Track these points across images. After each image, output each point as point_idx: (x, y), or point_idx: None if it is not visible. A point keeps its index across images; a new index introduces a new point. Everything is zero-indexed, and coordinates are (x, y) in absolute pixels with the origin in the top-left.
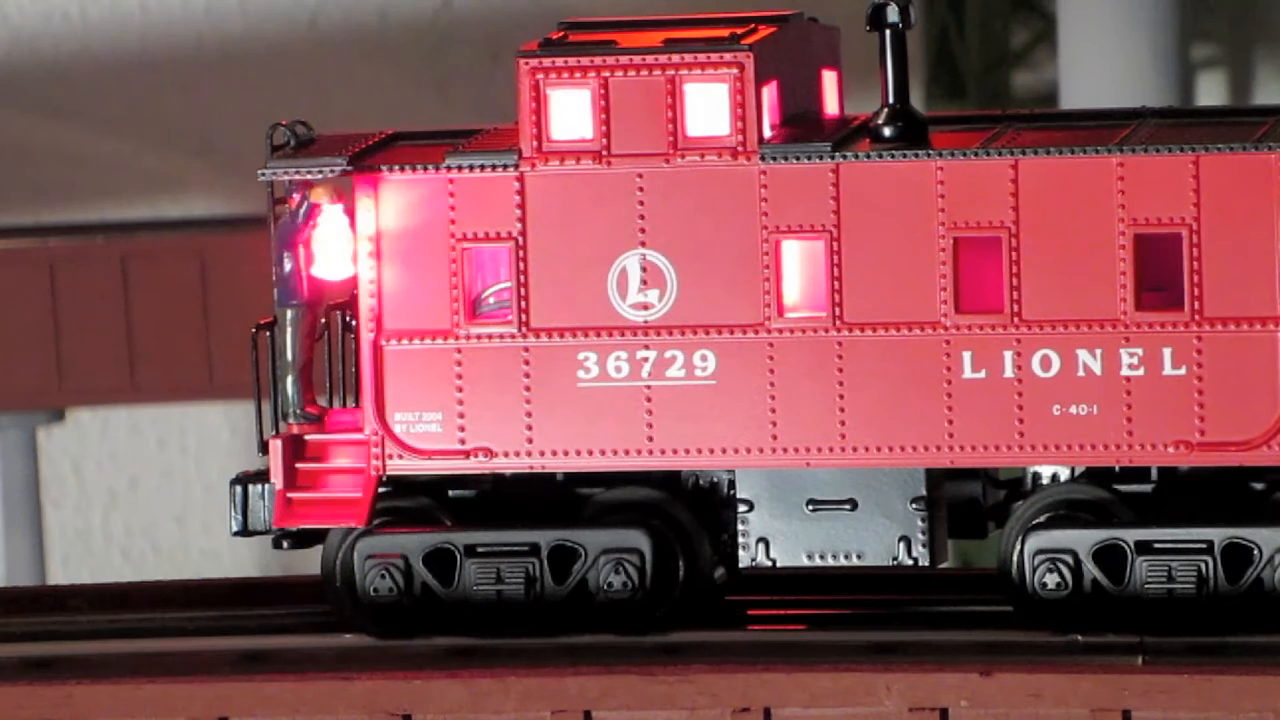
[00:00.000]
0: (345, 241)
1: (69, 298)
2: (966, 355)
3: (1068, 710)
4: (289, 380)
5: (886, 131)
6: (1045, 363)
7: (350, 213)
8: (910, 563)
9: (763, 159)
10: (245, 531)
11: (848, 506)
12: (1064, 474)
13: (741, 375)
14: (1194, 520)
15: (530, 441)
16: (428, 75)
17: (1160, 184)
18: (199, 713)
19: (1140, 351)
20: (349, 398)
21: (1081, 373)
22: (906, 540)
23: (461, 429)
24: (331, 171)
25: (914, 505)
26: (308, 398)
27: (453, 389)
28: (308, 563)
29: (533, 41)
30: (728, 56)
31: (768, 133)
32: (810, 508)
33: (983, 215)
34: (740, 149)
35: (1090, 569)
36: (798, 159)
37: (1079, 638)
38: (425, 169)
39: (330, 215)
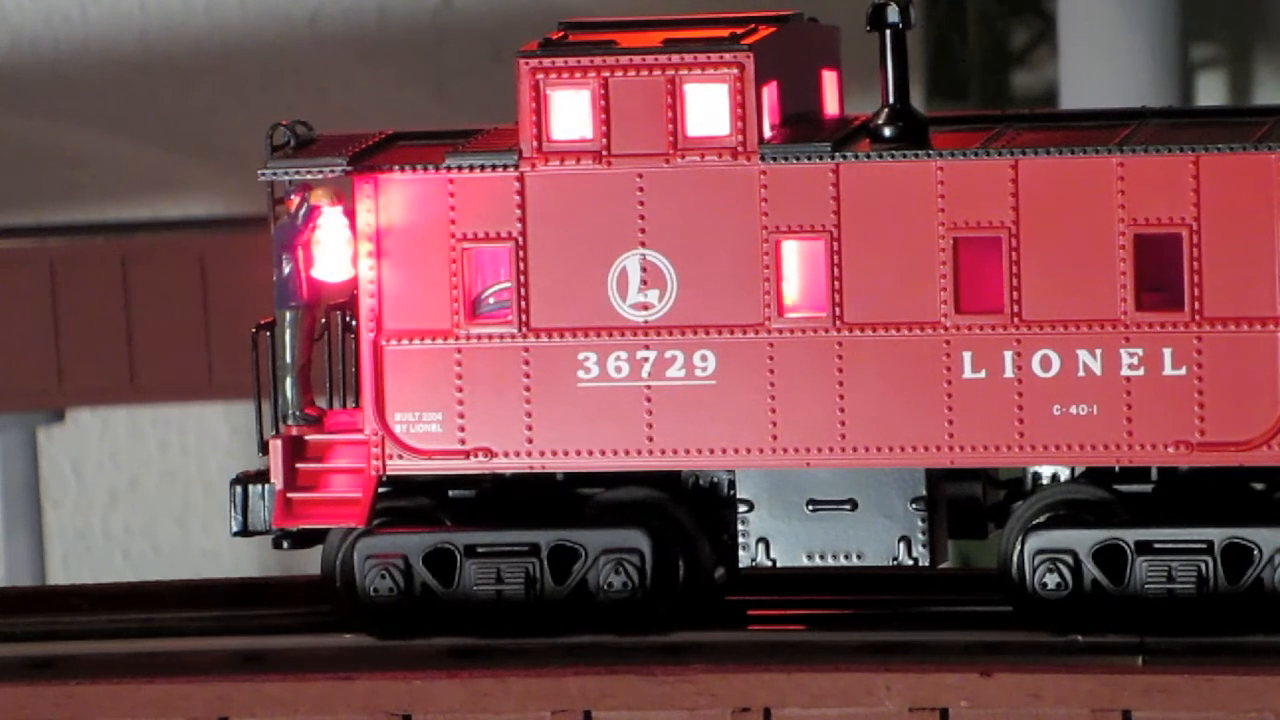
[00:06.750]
0: (345, 243)
1: (69, 298)
2: (966, 355)
3: (1068, 710)
4: (288, 382)
5: (886, 131)
6: (1045, 363)
7: (350, 214)
8: (910, 563)
9: (763, 159)
10: (245, 531)
11: (848, 506)
12: (1064, 474)
13: (741, 375)
14: (1194, 520)
15: (530, 441)
16: (427, 75)
17: (1160, 184)
18: (199, 713)
19: (1140, 351)
20: (349, 398)
21: (1081, 373)
22: (906, 540)
23: (461, 429)
24: (331, 172)
25: (914, 505)
26: (307, 399)
27: (453, 389)
28: (308, 563)
29: (533, 41)
30: (728, 56)
31: (768, 133)
32: (810, 508)
33: (983, 215)
34: (740, 149)
35: (1090, 569)
36: (798, 159)
37: (1079, 638)
38: (425, 169)
39: (330, 217)
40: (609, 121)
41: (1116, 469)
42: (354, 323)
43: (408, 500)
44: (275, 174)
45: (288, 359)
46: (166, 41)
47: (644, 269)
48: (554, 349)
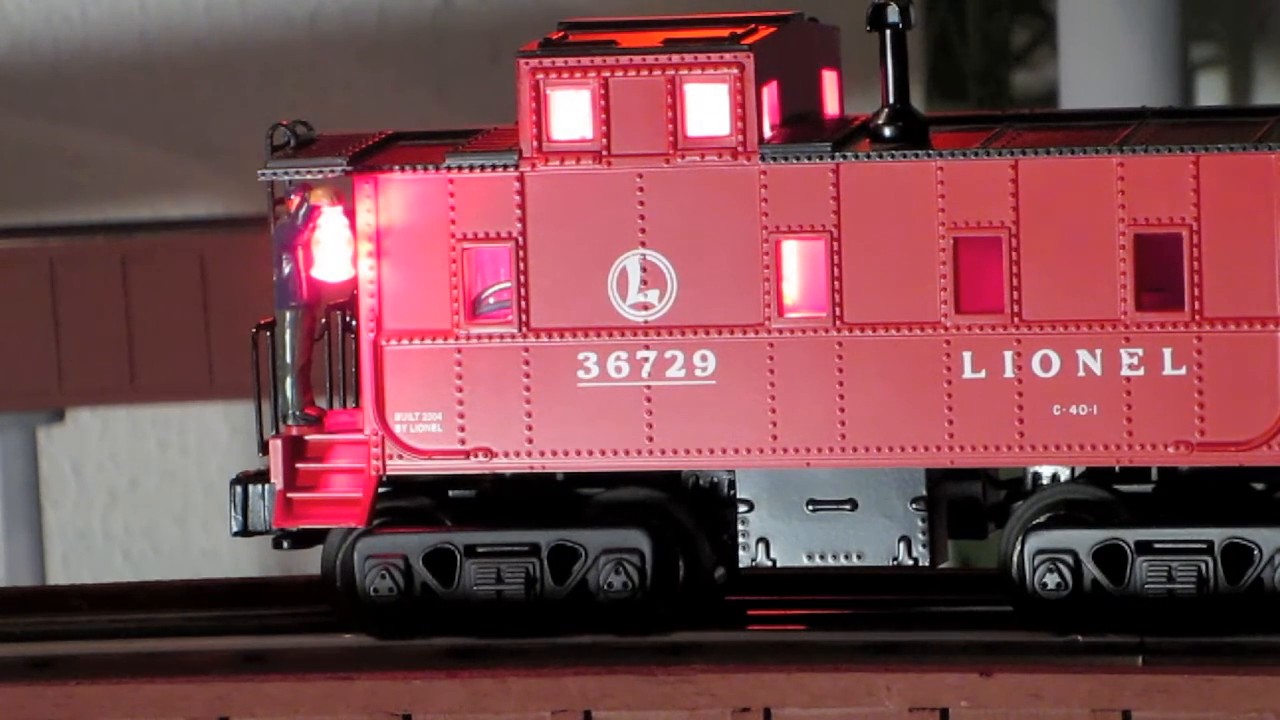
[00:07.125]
0: (345, 243)
1: (69, 298)
2: (966, 355)
3: (1068, 710)
4: (288, 382)
5: (886, 131)
6: (1045, 363)
7: (350, 214)
8: (910, 563)
9: (763, 159)
10: (245, 531)
11: (848, 506)
12: (1064, 474)
13: (741, 375)
14: (1194, 520)
15: (530, 441)
16: (427, 75)
17: (1160, 184)
18: (199, 713)
19: (1140, 351)
20: (349, 398)
21: (1081, 373)
22: (906, 540)
23: (461, 429)
24: (331, 172)
25: (914, 505)
26: (307, 399)
27: (453, 389)
28: (308, 563)
29: (533, 41)
30: (728, 56)
31: (768, 133)
32: (810, 508)
33: (983, 215)
34: (740, 149)
35: (1090, 569)
36: (798, 159)
37: (1079, 638)
38: (425, 169)
39: (330, 217)
40: (609, 121)
41: (1116, 469)
42: (354, 323)
43: (408, 500)
44: (275, 174)
45: (288, 359)
46: (166, 41)
47: (644, 269)
48: (554, 349)
